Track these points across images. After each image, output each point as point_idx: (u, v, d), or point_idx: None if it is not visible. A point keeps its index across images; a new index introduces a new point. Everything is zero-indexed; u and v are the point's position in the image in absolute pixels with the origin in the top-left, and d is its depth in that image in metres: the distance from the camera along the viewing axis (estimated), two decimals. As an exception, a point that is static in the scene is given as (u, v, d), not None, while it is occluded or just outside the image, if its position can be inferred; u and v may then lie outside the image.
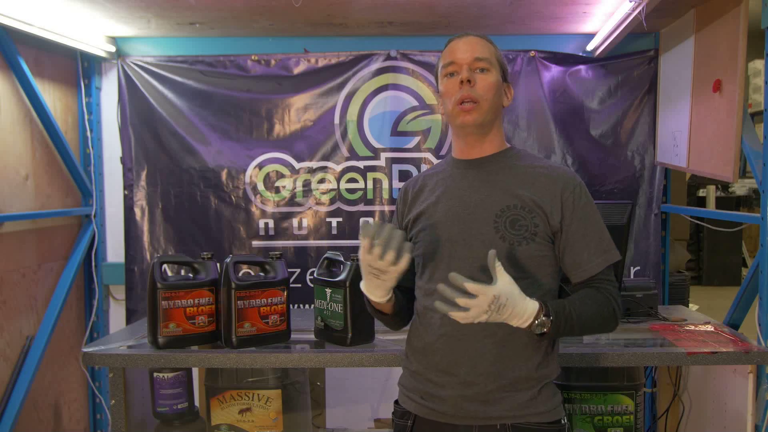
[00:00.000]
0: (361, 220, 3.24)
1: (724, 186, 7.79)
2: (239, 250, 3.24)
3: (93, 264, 3.27)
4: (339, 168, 3.24)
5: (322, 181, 3.24)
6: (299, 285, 3.22)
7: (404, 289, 1.67)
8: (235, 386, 2.44)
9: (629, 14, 2.58)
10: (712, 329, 2.34)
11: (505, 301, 1.35)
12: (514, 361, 1.50)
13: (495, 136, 1.60)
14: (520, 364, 1.51)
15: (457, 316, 1.35)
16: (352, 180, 3.24)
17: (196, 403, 2.59)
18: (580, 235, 1.53)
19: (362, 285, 1.54)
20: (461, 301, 1.33)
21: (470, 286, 1.32)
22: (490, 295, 1.33)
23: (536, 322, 1.40)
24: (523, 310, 1.39)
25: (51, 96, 3.03)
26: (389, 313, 1.62)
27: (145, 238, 3.26)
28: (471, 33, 1.59)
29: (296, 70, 3.23)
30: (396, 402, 1.68)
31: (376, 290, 1.51)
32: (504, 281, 1.36)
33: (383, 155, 3.24)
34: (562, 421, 1.56)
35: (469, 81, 1.52)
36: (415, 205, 1.66)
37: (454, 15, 2.85)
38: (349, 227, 3.25)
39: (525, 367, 1.51)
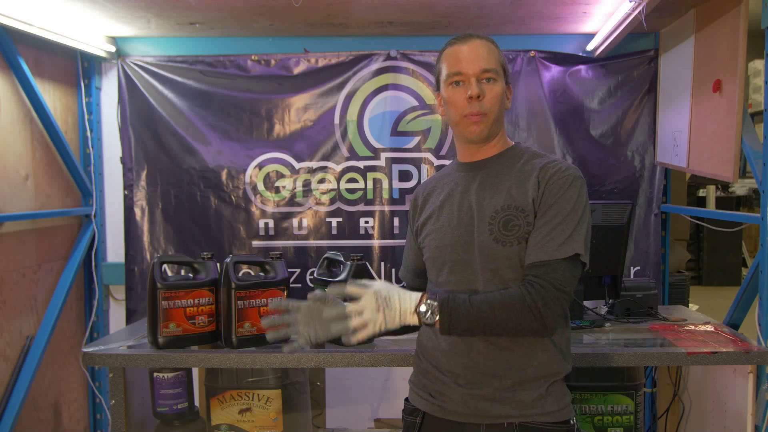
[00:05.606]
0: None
1: (724, 186, 7.79)
2: (239, 250, 3.24)
3: (93, 264, 3.27)
4: (339, 168, 3.24)
5: (322, 181, 3.24)
6: (299, 285, 3.22)
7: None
8: (235, 386, 2.44)
9: (629, 14, 2.58)
10: (712, 329, 2.34)
11: (387, 293, 1.43)
12: (519, 360, 1.51)
13: (498, 139, 1.60)
14: (525, 363, 1.51)
15: (360, 334, 1.41)
16: (352, 180, 3.24)
17: (196, 403, 2.59)
18: (541, 219, 1.47)
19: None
20: (351, 307, 1.41)
21: (349, 288, 1.41)
22: (371, 291, 1.41)
23: (422, 307, 1.44)
24: (407, 296, 1.45)
25: (51, 96, 3.03)
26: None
27: (145, 238, 3.25)
28: (474, 35, 1.57)
29: (296, 70, 3.23)
30: (406, 399, 1.70)
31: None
32: (377, 282, 1.45)
33: (383, 155, 3.23)
34: (571, 422, 1.55)
35: (478, 96, 1.52)
36: (423, 210, 1.68)
37: (454, 15, 2.84)
38: (349, 227, 3.25)
39: (530, 366, 1.51)
